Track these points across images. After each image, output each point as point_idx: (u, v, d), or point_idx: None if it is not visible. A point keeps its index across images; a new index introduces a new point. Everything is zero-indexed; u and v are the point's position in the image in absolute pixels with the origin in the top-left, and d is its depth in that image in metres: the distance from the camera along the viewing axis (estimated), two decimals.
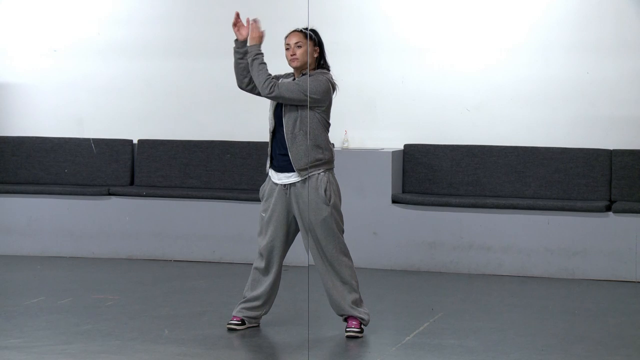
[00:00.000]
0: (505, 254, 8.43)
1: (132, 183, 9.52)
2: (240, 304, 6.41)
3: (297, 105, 6.11)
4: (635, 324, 6.70)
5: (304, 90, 6.06)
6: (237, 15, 6.25)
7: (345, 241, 6.27)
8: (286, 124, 6.13)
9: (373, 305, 6.71)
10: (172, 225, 9.08)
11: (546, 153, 8.66)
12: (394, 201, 8.68)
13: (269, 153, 6.30)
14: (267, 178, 6.35)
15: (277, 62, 6.42)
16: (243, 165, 9.28)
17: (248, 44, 6.20)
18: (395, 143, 9.03)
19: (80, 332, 6.35)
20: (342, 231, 6.26)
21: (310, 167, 6.13)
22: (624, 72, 8.63)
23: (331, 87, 6.18)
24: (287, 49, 6.20)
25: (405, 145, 8.97)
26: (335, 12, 9.15)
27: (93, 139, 9.56)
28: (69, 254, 9.23)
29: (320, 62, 6.26)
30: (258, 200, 6.46)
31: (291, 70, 6.29)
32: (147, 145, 9.49)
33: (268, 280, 6.34)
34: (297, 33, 6.20)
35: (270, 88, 6.08)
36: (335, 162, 6.29)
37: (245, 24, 6.23)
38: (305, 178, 6.15)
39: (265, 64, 6.14)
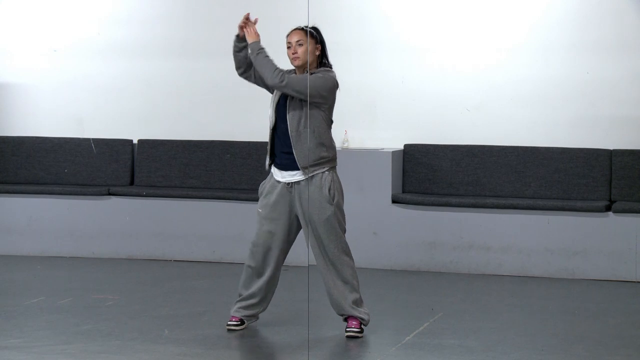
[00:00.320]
0: (505, 254, 8.43)
1: (132, 183, 9.52)
2: (237, 303, 6.40)
3: (302, 102, 6.09)
4: (635, 324, 6.70)
5: (314, 86, 6.05)
6: (247, 16, 6.23)
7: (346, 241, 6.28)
8: (291, 122, 6.13)
9: (373, 305, 6.71)
10: (172, 225, 9.08)
11: (546, 153, 8.66)
12: (394, 201, 8.68)
13: (268, 150, 6.30)
14: (269, 175, 6.34)
15: (278, 62, 6.41)
16: (243, 165, 9.28)
17: (248, 42, 6.20)
18: (395, 143, 9.03)
19: (80, 332, 6.35)
20: (344, 230, 6.26)
21: (315, 165, 6.13)
22: (624, 72, 8.63)
23: (336, 84, 6.19)
24: (288, 48, 6.21)
25: (405, 145, 8.97)
26: (335, 12, 9.15)
27: (93, 139, 9.56)
28: (69, 254, 9.23)
29: (322, 61, 6.26)
30: (258, 200, 6.45)
31: (292, 68, 6.29)
32: (147, 145, 9.49)
33: (263, 278, 6.32)
34: (298, 31, 6.20)
35: (280, 77, 6.07)
36: (337, 161, 6.30)
37: (253, 23, 6.24)
38: (309, 177, 6.14)
39: (269, 56, 6.14)
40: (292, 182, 6.21)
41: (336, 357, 6.02)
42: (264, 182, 6.38)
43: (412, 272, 8.54)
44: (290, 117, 6.13)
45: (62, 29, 9.80)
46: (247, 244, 6.40)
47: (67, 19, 9.78)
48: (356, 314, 6.24)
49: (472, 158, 8.81)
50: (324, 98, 6.13)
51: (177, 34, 9.60)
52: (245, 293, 6.37)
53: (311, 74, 6.14)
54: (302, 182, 6.18)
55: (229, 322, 6.39)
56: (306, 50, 6.16)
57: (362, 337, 6.23)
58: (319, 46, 6.24)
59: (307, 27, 6.20)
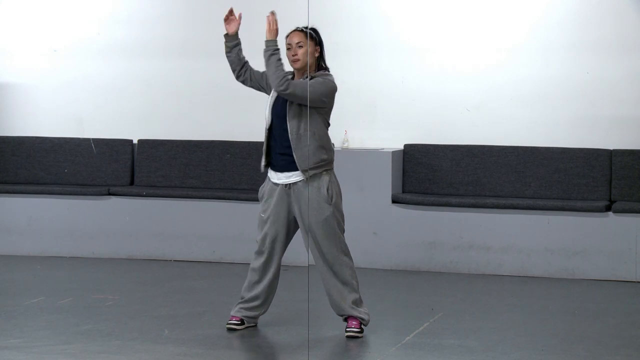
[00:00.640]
0: (505, 254, 8.43)
1: (132, 183, 9.52)
2: (238, 304, 6.41)
3: (303, 105, 6.09)
4: (635, 324, 6.70)
5: (315, 90, 6.05)
6: (231, 10, 6.27)
7: (346, 241, 6.27)
8: (290, 124, 6.12)
9: (373, 305, 6.71)
10: (172, 225, 9.08)
11: (546, 153, 8.66)
12: (394, 201, 8.68)
13: (264, 151, 6.29)
14: (267, 179, 6.35)
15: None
16: (243, 165, 9.28)
17: (266, 38, 6.15)
18: (395, 143, 9.03)
19: (80, 332, 6.35)
20: (343, 231, 6.26)
21: (315, 168, 6.14)
22: (624, 72, 8.63)
23: (335, 89, 6.20)
24: (288, 49, 6.19)
25: (405, 145, 8.97)
26: (335, 12, 9.15)
27: (93, 139, 9.56)
28: (69, 254, 9.23)
29: (320, 63, 6.26)
30: (258, 200, 6.45)
31: (291, 69, 6.28)
32: (147, 145, 9.49)
33: (266, 280, 6.34)
34: (298, 33, 6.19)
35: (285, 85, 6.04)
36: (335, 162, 6.30)
37: (237, 19, 6.26)
38: (307, 178, 6.15)
39: (281, 60, 6.13)
40: (289, 184, 6.21)
41: (336, 357, 6.02)
42: (262, 186, 6.38)
43: (412, 272, 8.54)
44: (290, 120, 6.13)
45: (62, 29, 9.80)
46: (247, 244, 6.42)
47: (67, 19, 9.78)
48: (356, 314, 6.24)
49: (472, 158, 8.81)
50: (324, 103, 6.14)
51: (177, 34, 9.60)
52: (248, 295, 6.37)
53: (311, 77, 6.14)
54: (300, 183, 6.17)
55: (229, 322, 6.39)
56: (306, 52, 6.15)
57: (362, 337, 6.23)
58: (318, 48, 6.23)
59: (306, 28, 6.20)
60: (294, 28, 6.23)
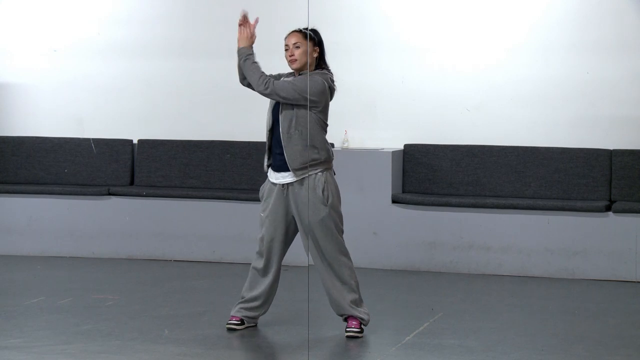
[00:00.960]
0: (505, 254, 8.43)
1: (132, 183, 9.52)
2: (238, 303, 6.41)
3: (293, 104, 6.09)
4: (635, 324, 6.70)
5: (298, 89, 6.05)
6: (245, 16, 6.20)
7: (345, 241, 6.27)
8: (282, 123, 6.13)
9: (373, 305, 6.71)
10: (172, 225, 9.08)
11: (546, 153, 8.66)
12: (394, 201, 8.68)
13: (266, 151, 6.30)
14: (267, 178, 6.35)
15: (278, 62, 6.42)
16: (243, 165, 9.28)
17: (238, 45, 6.17)
18: (395, 143, 9.03)
19: (80, 332, 6.35)
20: (342, 231, 6.25)
21: (305, 168, 6.12)
22: (624, 72, 8.63)
23: (328, 87, 6.17)
24: (285, 50, 6.20)
25: (405, 145, 8.97)
26: (335, 12, 9.15)
27: (93, 139, 9.56)
28: (69, 254, 9.23)
29: (320, 63, 6.25)
30: (258, 200, 6.46)
31: (291, 70, 6.29)
32: (147, 145, 9.49)
33: (267, 281, 6.34)
34: (295, 33, 6.19)
35: (265, 84, 6.07)
36: (335, 162, 6.29)
37: (252, 23, 6.22)
38: (302, 178, 6.14)
39: (257, 62, 6.13)
40: (285, 184, 6.21)
41: (336, 357, 6.02)
42: (263, 185, 6.38)
43: (412, 272, 8.54)
44: (282, 119, 6.13)
45: (62, 29, 9.80)
46: (247, 244, 6.42)
47: (67, 19, 9.78)
48: (356, 313, 6.24)
49: (472, 158, 8.81)
50: (312, 102, 6.10)
51: (177, 34, 9.60)
52: (249, 295, 6.37)
53: (302, 74, 6.14)
54: (295, 184, 6.17)
55: (229, 322, 6.39)
56: (303, 53, 6.14)
57: (362, 337, 6.23)
58: (317, 48, 6.22)
59: (305, 28, 6.19)
60: (292, 29, 6.23)
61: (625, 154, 8.50)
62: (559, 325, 6.65)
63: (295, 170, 6.12)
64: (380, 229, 8.67)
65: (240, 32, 6.18)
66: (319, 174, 6.17)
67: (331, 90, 6.20)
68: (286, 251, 6.37)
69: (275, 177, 6.25)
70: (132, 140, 9.56)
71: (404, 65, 9.09)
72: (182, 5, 9.64)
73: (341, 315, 6.31)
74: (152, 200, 9.15)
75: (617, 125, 8.65)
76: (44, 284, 8.03)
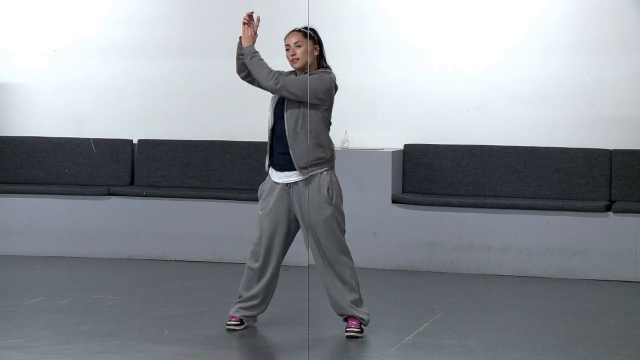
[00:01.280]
0: (505, 254, 8.43)
1: (132, 183, 9.52)
2: (236, 303, 6.41)
3: (299, 102, 6.10)
4: (635, 324, 6.70)
5: (310, 87, 6.05)
6: (250, 15, 6.21)
7: (346, 241, 6.27)
8: (288, 122, 6.13)
9: (373, 305, 6.71)
10: (172, 225, 9.08)
11: (546, 153, 8.66)
12: (394, 201, 8.68)
13: (267, 151, 6.29)
14: (267, 177, 6.35)
15: (278, 62, 6.42)
16: (243, 165, 9.28)
17: (242, 44, 6.18)
18: (395, 143, 9.03)
19: (80, 332, 6.35)
20: (344, 231, 6.26)
21: (312, 166, 6.13)
22: (624, 72, 8.63)
23: (334, 86, 6.19)
24: (287, 50, 6.20)
25: (405, 145, 8.97)
26: (335, 12, 9.15)
27: (93, 139, 9.56)
28: (69, 254, 9.23)
29: (321, 62, 6.26)
30: (258, 200, 6.45)
31: (291, 69, 6.29)
32: (147, 145, 9.49)
33: (264, 279, 6.33)
34: (296, 33, 6.19)
35: (275, 79, 6.07)
36: (335, 162, 6.29)
37: (256, 21, 6.23)
38: (307, 177, 6.15)
39: (263, 59, 6.14)
40: (289, 183, 6.21)
41: (336, 357, 6.02)
42: (262, 184, 6.38)
43: (412, 272, 8.54)
44: (288, 118, 6.13)
45: (62, 29, 9.80)
46: (247, 244, 6.41)
47: (67, 19, 9.78)
48: (356, 313, 6.24)
49: (472, 158, 8.81)
50: (320, 100, 6.12)
51: (177, 34, 9.60)
52: (246, 295, 6.37)
53: (311, 75, 6.14)
54: (300, 183, 6.17)
55: (228, 322, 6.39)
56: (305, 52, 6.15)
57: (362, 337, 6.23)
58: (317, 47, 6.23)
59: (305, 28, 6.19)
60: (291, 29, 6.23)
61: (625, 154, 8.50)
62: (559, 325, 6.65)
63: (301, 169, 6.12)
64: (380, 229, 8.67)
65: (244, 31, 6.19)
66: (324, 173, 6.17)
67: (335, 89, 6.22)
68: (286, 250, 6.36)
69: (279, 177, 6.25)
70: (132, 140, 9.56)
71: (404, 65, 9.09)
72: (182, 5, 9.64)
73: (341, 315, 6.31)
74: (152, 200, 9.15)
75: (617, 125, 8.65)
76: (44, 284, 8.03)
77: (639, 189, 8.41)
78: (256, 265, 6.33)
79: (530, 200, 8.49)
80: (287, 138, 6.12)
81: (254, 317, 6.42)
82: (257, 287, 6.35)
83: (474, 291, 7.84)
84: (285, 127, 6.13)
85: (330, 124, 6.25)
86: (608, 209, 8.26)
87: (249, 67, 6.18)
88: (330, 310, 6.37)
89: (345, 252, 6.25)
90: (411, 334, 6.33)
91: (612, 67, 8.64)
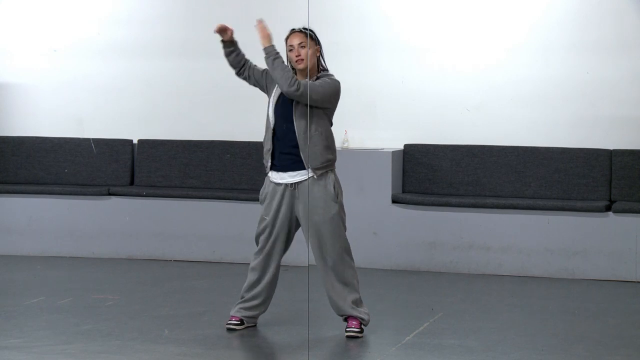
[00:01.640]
0: (505, 254, 8.43)
1: (132, 183, 9.52)
2: (238, 304, 6.41)
3: (312, 105, 6.09)
4: (635, 324, 6.70)
5: (325, 92, 6.08)
6: (221, 27, 6.24)
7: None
8: (298, 124, 6.13)
9: (373, 305, 6.71)
10: (172, 225, 9.08)
11: (546, 153, 8.66)
12: (394, 201, 8.68)
13: (269, 152, 6.28)
14: (266, 181, 6.33)
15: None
16: (243, 165, 9.28)
17: (262, 45, 6.17)
18: (395, 143, 9.03)
19: (80, 332, 6.35)
20: (345, 229, 6.28)
21: (322, 168, 6.17)
22: (624, 72, 8.63)
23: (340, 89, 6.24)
24: (290, 51, 6.18)
25: (405, 145, 8.97)
26: (335, 12, 9.15)
27: (93, 139, 9.56)
28: (69, 254, 9.23)
29: (320, 63, 6.27)
30: (258, 199, 6.45)
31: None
32: (147, 145, 9.49)
33: (265, 280, 6.34)
34: (298, 34, 6.19)
35: (297, 85, 6.04)
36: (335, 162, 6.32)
37: (230, 27, 6.26)
38: (315, 177, 6.16)
39: (285, 62, 6.14)
40: (294, 183, 6.21)
41: (336, 357, 6.02)
42: (263, 188, 6.37)
43: (412, 272, 8.54)
44: (298, 120, 6.13)
45: (62, 29, 9.80)
46: (247, 244, 6.42)
47: (67, 19, 9.78)
48: (356, 314, 6.24)
49: (472, 158, 8.81)
50: (331, 103, 6.18)
51: (177, 34, 9.60)
52: (248, 295, 6.38)
53: (317, 78, 6.16)
54: (305, 183, 6.18)
55: (228, 322, 6.39)
56: (308, 53, 6.16)
57: (362, 337, 6.23)
58: (318, 48, 6.24)
59: (305, 28, 6.19)
60: (291, 29, 6.22)
61: (625, 154, 8.50)
62: (559, 325, 6.65)
63: (315, 170, 6.14)
64: (380, 229, 8.67)
65: (261, 30, 6.17)
66: (329, 172, 6.20)
67: None
68: (286, 251, 6.37)
69: (281, 177, 6.24)
70: (132, 140, 9.56)
71: (404, 65, 9.09)
72: (182, 5, 9.64)
73: (341, 316, 6.31)
74: (152, 200, 9.15)
75: (617, 125, 8.65)
76: (44, 284, 8.03)
77: (639, 189, 8.41)
78: (259, 266, 6.33)
79: (530, 200, 8.49)
80: (298, 140, 6.12)
81: (254, 318, 6.42)
82: (259, 288, 6.35)
83: (474, 291, 7.84)
84: (295, 129, 6.13)
85: (332, 124, 6.28)
86: (608, 209, 8.26)
87: (269, 67, 6.15)
88: (330, 310, 6.37)
89: (348, 251, 6.26)
90: (411, 334, 6.33)
91: (612, 67, 8.64)
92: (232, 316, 6.41)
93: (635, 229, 8.15)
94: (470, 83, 8.98)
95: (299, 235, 6.37)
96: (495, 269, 8.46)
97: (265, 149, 6.30)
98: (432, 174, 8.88)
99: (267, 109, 6.29)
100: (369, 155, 8.75)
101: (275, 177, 6.28)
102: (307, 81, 6.11)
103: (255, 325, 6.44)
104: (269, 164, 6.29)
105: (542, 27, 8.81)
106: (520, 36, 8.86)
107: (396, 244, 8.64)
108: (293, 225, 6.31)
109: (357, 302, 6.27)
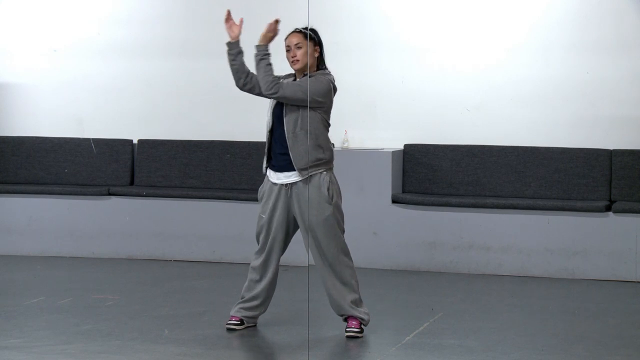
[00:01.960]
0: (505, 254, 8.43)
1: (132, 183, 9.52)
2: (238, 304, 6.42)
3: (299, 105, 6.10)
4: (635, 324, 6.70)
5: (306, 90, 6.06)
6: (229, 12, 6.23)
7: (346, 241, 6.27)
8: (287, 124, 6.13)
9: (373, 305, 6.71)
10: (172, 225, 9.08)
11: (546, 153, 8.66)
12: (394, 201, 8.68)
13: (266, 152, 6.30)
14: (265, 179, 6.35)
15: (278, 62, 6.42)
16: (243, 165, 9.28)
17: (258, 42, 6.17)
18: (395, 143, 9.03)
19: (80, 332, 6.35)
20: (343, 231, 6.26)
21: (311, 167, 6.13)
22: (624, 72, 8.63)
23: (332, 87, 6.19)
24: (287, 51, 6.20)
25: (405, 145, 8.97)
26: (335, 12, 9.15)
27: (93, 139, 9.56)
28: (69, 254, 9.23)
29: (320, 63, 6.26)
30: (258, 200, 6.45)
31: (292, 70, 6.29)
32: (147, 145, 9.49)
33: (265, 280, 6.35)
34: (296, 34, 6.19)
35: (274, 89, 6.07)
36: (335, 162, 6.30)
37: (237, 23, 6.23)
38: (307, 177, 6.15)
39: (271, 64, 6.14)
40: (289, 184, 6.21)
41: (336, 357, 6.02)
42: (261, 186, 6.38)
43: (412, 272, 8.54)
44: (287, 120, 6.13)
45: (62, 29, 9.80)
46: (247, 244, 6.42)
47: (67, 19, 9.78)
48: (356, 313, 6.24)
49: (472, 158, 8.81)
50: (319, 102, 6.12)
51: (177, 34, 9.60)
52: (249, 295, 6.38)
53: (310, 77, 6.15)
54: (300, 183, 6.18)
55: (228, 322, 6.39)
56: (305, 53, 6.15)
57: (362, 337, 6.23)
58: (317, 48, 6.23)
59: (305, 28, 6.19)
60: (292, 29, 6.23)
61: (625, 154, 8.50)
62: (559, 325, 6.65)
63: (301, 170, 6.13)
64: (380, 229, 8.67)
65: (269, 29, 6.14)
66: (324, 173, 6.18)
67: (334, 90, 6.22)
68: (284, 251, 6.37)
69: (277, 177, 6.25)
70: (132, 140, 9.56)
71: (404, 65, 9.09)
72: (182, 5, 9.64)
73: (341, 316, 6.31)
74: (152, 200, 9.15)
75: (617, 125, 8.65)
76: (44, 284, 8.03)
77: (639, 189, 8.41)
78: (259, 265, 6.33)
79: (530, 200, 8.49)
80: (287, 139, 6.13)
81: (254, 318, 6.43)
82: (259, 288, 6.36)
83: (474, 291, 7.84)
84: (285, 128, 6.14)
85: (329, 125, 6.25)
86: (608, 209, 8.26)
87: (255, 65, 6.15)
88: (330, 310, 6.37)
89: (345, 252, 6.26)
90: (411, 334, 6.33)
91: (612, 67, 8.64)
92: (232, 316, 6.41)
93: (635, 229, 8.15)
94: (470, 83, 8.98)
95: (298, 235, 6.37)
96: (495, 269, 8.46)
97: (266, 149, 6.31)
98: (432, 174, 8.88)
99: (267, 110, 6.30)
100: (369, 155, 8.75)
101: (272, 177, 6.28)
102: (292, 82, 6.11)
103: (255, 325, 6.44)
104: (265, 165, 6.30)
105: (542, 27, 8.81)
106: (520, 36, 8.86)
107: (396, 244, 8.64)
108: (291, 225, 6.31)
109: (357, 302, 6.27)
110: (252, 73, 6.24)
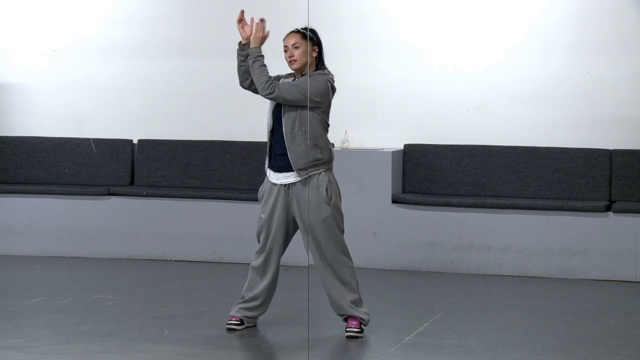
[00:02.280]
0: (505, 254, 8.43)
1: (132, 183, 9.52)
2: (238, 304, 6.42)
3: (297, 105, 6.11)
4: (635, 324, 6.70)
5: (302, 91, 6.06)
6: (242, 12, 6.23)
7: (345, 241, 6.27)
8: (285, 124, 6.14)
9: (373, 305, 6.71)
10: (172, 225, 9.08)
11: (546, 153, 8.66)
12: (394, 201, 8.68)
13: (267, 153, 6.30)
14: (265, 179, 6.35)
15: (277, 63, 6.42)
16: (243, 165, 9.28)
17: (250, 45, 6.19)
18: (395, 143, 9.04)
19: (80, 332, 6.35)
20: (342, 231, 6.26)
21: (310, 167, 6.13)
22: (624, 72, 8.63)
23: (330, 87, 6.19)
24: (285, 51, 6.20)
25: (405, 145, 8.97)
26: (335, 12, 9.15)
27: (93, 139, 9.56)
28: (69, 254, 9.23)
29: (319, 63, 6.26)
30: (258, 200, 6.45)
31: (290, 71, 6.29)
32: (147, 145, 9.49)
33: (266, 280, 6.35)
34: (294, 34, 6.19)
35: (270, 89, 6.08)
36: (335, 162, 6.30)
37: (249, 23, 6.22)
38: (305, 178, 6.15)
39: (265, 65, 6.14)
40: (288, 184, 6.21)
41: (336, 357, 6.02)
42: (262, 186, 6.38)
43: (412, 272, 8.54)
44: (285, 120, 6.14)
45: (62, 29, 9.80)
46: (247, 244, 6.42)
47: (67, 19, 9.79)
48: (356, 313, 6.24)
49: (472, 158, 8.81)
50: (317, 102, 6.12)
51: (177, 34, 9.60)
52: (249, 295, 6.38)
53: (305, 75, 6.15)
54: (298, 184, 6.18)
55: (228, 322, 6.39)
56: (303, 53, 6.15)
57: (362, 337, 6.23)
58: (316, 48, 6.22)
59: (304, 28, 6.19)
60: (291, 29, 6.23)
61: (625, 154, 8.50)
62: (559, 325, 6.65)
63: (299, 170, 6.13)
64: (380, 229, 8.67)
65: (257, 30, 6.16)
66: (322, 173, 6.18)
67: (333, 90, 6.22)
68: (284, 251, 6.37)
69: (277, 178, 6.25)
70: (132, 140, 9.56)
71: (404, 65, 9.09)
72: (182, 5, 9.65)
73: (341, 316, 6.31)
74: (152, 200, 9.15)
75: (617, 125, 8.65)
76: (44, 284, 8.03)
77: (639, 189, 8.41)
78: (259, 266, 6.34)
79: (530, 200, 8.49)
80: (285, 140, 6.13)
81: (254, 318, 6.43)
82: (259, 288, 6.36)
83: (474, 291, 7.84)
84: (283, 129, 6.14)
85: (328, 125, 6.25)
86: (608, 209, 8.26)
87: (250, 68, 6.17)
88: (330, 310, 6.37)
89: (345, 252, 6.26)
90: (411, 334, 6.33)
91: (612, 67, 8.64)
92: (232, 316, 6.41)
93: (635, 229, 8.15)
94: (470, 83, 8.98)
95: (298, 235, 6.37)
96: (495, 269, 8.46)
97: (267, 149, 6.31)
98: (432, 174, 8.88)
99: (267, 111, 6.31)
100: (369, 155, 8.75)
101: (272, 177, 6.29)
102: (288, 82, 6.11)
103: (255, 325, 6.44)
104: (267, 164, 6.30)
105: (542, 27, 8.81)
106: (520, 36, 8.86)
107: (396, 244, 8.64)
108: (290, 225, 6.31)
109: (357, 302, 6.27)
110: None
